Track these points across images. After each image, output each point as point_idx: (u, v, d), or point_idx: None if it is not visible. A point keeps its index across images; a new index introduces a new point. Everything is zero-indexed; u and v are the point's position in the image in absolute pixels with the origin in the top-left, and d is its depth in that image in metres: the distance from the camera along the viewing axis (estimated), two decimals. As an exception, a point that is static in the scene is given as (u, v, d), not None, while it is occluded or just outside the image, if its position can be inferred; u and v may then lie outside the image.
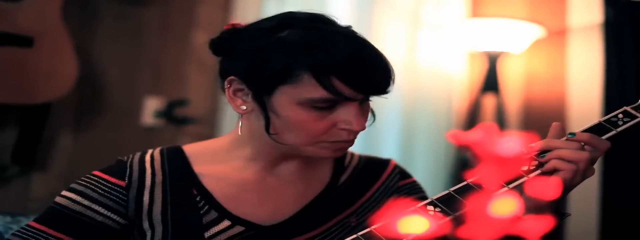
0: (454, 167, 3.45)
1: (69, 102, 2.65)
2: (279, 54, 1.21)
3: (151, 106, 2.91)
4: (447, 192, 1.14)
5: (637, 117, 1.23)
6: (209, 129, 2.97)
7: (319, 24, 1.26)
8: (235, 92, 1.29)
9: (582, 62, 3.53)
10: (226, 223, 1.30)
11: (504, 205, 0.81)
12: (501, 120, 3.45)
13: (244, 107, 1.29)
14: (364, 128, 1.26)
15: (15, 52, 2.29)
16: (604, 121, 1.22)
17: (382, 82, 1.25)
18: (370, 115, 1.34)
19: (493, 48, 3.45)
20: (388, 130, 3.28)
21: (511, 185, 1.11)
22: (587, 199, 3.19)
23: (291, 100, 1.22)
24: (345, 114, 1.24)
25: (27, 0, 2.30)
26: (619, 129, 1.21)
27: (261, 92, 1.24)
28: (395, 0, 3.38)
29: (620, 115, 1.23)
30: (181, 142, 1.46)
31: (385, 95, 1.27)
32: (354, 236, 1.08)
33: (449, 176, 3.40)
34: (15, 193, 2.58)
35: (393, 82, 1.27)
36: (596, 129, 1.21)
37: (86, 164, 1.43)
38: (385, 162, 1.53)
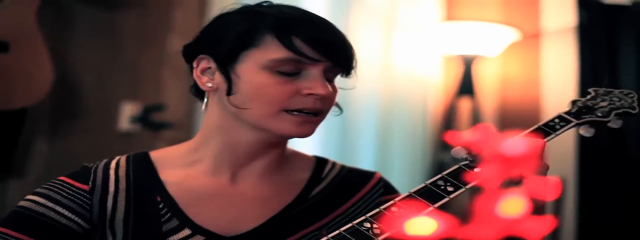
0: (430, 171, 3.47)
1: (45, 107, 2.64)
2: (241, 20, 1.27)
3: (128, 111, 2.90)
4: (440, 175, 1.19)
5: (571, 121, 1.31)
6: (185, 134, 2.96)
7: (277, 5, 1.33)
8: (202, 71, 1.30)
9: (556, 65, 3.57)
10: (186, 232, 1.27)
11: (512, 205, 0.81)
12: (477, 124, 3.47)
13: (210, 84, 1.29)
14: (327, 92, 1.25)
15: (-10, 57, 2.28)
16: (543, 125, 1.29)
17: (342, 49, 1.29)
18: (336, 108, 1.36)
19: (468, 51, 3.47)
20: (364, 134, 3.28)
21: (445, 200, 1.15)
22: (565, 213, 3.22)
23: (256, 64, 1.24)
24: (309, 79, 1.25)
25: (1, 5, 2.28)
26: (558, 133, 1.28)
27: (226, 60, 1.26)
28: (370, 3, 3.39)
29: (557, 120, 1.31)
30: (158, 147, 1.45)
31: (352, 81, 1.33)
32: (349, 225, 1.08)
33: (426, 179, 3.40)
34: (-8, 199, 2.57)
35: (355, 59, 1.32)
36: (538, 134, 1.27)
37: (63, 170, 1.42)
38: (369, 175, 1.48)
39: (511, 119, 3.66)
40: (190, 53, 1.34)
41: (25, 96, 2.42)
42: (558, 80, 3.53)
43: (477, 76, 3.51)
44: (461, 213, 1.11)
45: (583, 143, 3.30)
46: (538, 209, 1.03)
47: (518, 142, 0.87)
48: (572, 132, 1.33)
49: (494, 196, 0.79)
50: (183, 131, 2.96)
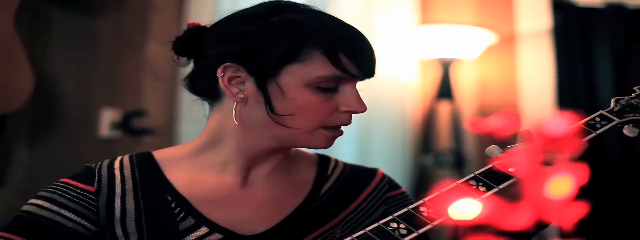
0: (411, 174, 3.48)
1: (24, 114, 2.62)
2: (284, 34, 1.23)
3: (107, 118, 2.90)
4: (487, 167, 1.16)
5: (613, 120, 1.27)
6: (167, 140, 2.96)
7: (307, 10, 1.30)
8: (230, 79, 1.26)
9: (533, 67, 3.60)
10: (204, 230, 1.26)
11: (560, 185, 0.81)
12: (457, 127, 3.49)
13: (242, 96, 1.25)
14: (365, 109, 1.27)
15: (-31, 65, 2.26)
16: (583, 124, 1.24)
17: (374, 62, 1.30)
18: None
19: (445, 55, 3.49)
20: (343, 139, 3.25)
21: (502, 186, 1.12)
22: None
23: (299, 80, 1.22)
24: (346, 96, 1.26)
25: (-21, 11, 2.27)
26: (598, 131, 1.24)
27: (266, 75, 1.23)
28: (345, 8, 3.40)
29: (598, 119, 1.26)
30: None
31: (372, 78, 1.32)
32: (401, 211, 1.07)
33: (407, 183, 3.42)
34: (-29, 208, 2.55)
35: (375, 74, 1.32)
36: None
37: (44, 178, 1.41)
38: (372, 172, 1.49)
39: (490, 121, 3.68)
40: (207, 61, 1.30)
41: (4, 103, 2.39)
42: (535, 82, 3.56)
43: (455, 79, 3.53)
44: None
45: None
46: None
47: (558, 123, 0.86)
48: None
49: (540, 178, 0.79)
50: (164, 137, 2.96)
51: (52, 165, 2.72)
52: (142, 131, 2.87)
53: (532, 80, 3.58)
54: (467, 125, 3.54)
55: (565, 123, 0.91)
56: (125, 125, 2.89)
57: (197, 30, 1.32)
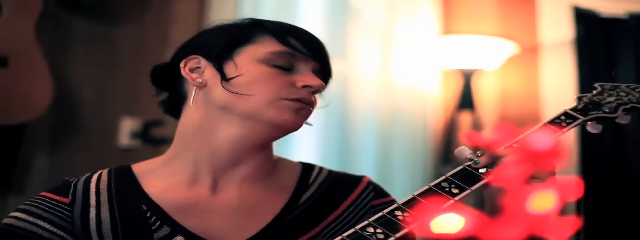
0: (431, 185, 3.45)
1: (44, 123, 2.63)
2: (236, 25, 1.37)
3: (127, 127, 2.90)
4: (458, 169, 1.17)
5: (578, 118, 1.29)
6: (185, 149, 2.95)
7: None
8: (191, 69, 1.34)
9: (555, 77, 3.57)
10: (179, 238, 1.26)
11: (541, 201, 0.80)
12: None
13: (200, 80, 1.32)
14: (320, 84, 1.32)
15: (-11, 72, 2.28)
16: (549, 123, 1.27)
17: (324, 49, 1.38)
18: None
19: (467, 65, 3.47)
20: (364, 149, 3.28)
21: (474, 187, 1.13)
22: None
23: (253, 57, 1.31)
24: (301, 73, 1.33)
25: (0, 20, 2.29)
26: (565, 130, 1.26)
27: (221, 56, 1.32)
28: (368, 18, 3.40)
29: (563, 117, 1.29)
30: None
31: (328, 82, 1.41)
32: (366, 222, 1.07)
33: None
34: (-9, 216, 2.55)
35: (331, 72, 1.41)
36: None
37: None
38: (357, 179, 1.46)
39: (511, 132, 3.65)
40: (174, 60, 1.40)
41: (24, 111, 2.42)
42: (557, 93, 3.53)
43: (476, 90, 3.51)
44: (485, 210, 1.10)
45: (585, 144, 3.30)
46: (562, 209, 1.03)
47: (543, 137, 0.86)
48: (573, 132, 1.31)
49: (522, 193, 0.78)
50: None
51: (71, 173, 2.70)
52: (161, 141, 2.87)
53: (554, 91, 3.55)
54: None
55: (547, 137, 0.91)
56: (145, 134, 2.89)
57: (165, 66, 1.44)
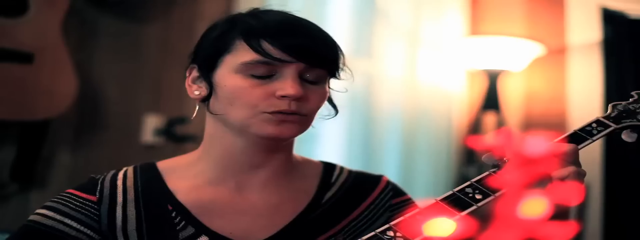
0: (454, 185, 3.44)
1: (68, 119, 2.64)
2: (218, 28, 1.31)
3: (151, 124, 2.90)
4: (469, 183, 1.14)
5: (610, 126, 1.25)
6: (208, 147, 2.95)
7: (262, 10, 1.34)
8: (193, 80, 1.33)
9: (581, 79, 3.54)
10: (204, 239, 1.26)
11: (533, 207, 0.79)
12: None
13: (197, 92, 1.31)
14: (297, 92, 1.23)
15: (15, 68, 2.29)
16: (579, 130, 1.23)
17: (315, 50, 1.26)
18: (329, 106, 1.35)
19: (493, 66, 3.46)
20: (389, 148, 3.27)
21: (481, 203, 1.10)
22: (590, 219, 3.19)
23: (229, 69, 1.25)
24: (281, 81, 1.24)
25: (27, 16, 2.30)
26: (595, 138, 1.22)
27: (205, 68, 1.29)
28: (394, 19, 3.39)
29: (594, 125, 1.25)
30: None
31: (338, 77, 1.33)
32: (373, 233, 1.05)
33: (450, 194, 3.38)
34: (15, 211, 2.57)
35: (339, 55, 1.31)
36: (573, 139, 1.21)
37: (85, 181, 1.44)
38: (376, 179, 1.47)
39: (536, 133, 3.63)
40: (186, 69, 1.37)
41: (49, 107, 2.43)
42: (583, 95, 3.51)
43: (502, 91, 3.49)
44: (482, 216, 1.09)
45: (609, 149, 3.27)
46: (562, 214, 1.02)
47: (540, 144, 0.85)
48: (599, 141, 1.27)
49: (515, 198, 0.78)
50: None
51: (94, 169, 2.70)
52: (184, 138, 2.87)
53: (581, 93, 3.53)
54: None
55: (543, 144, 0.89)
56: (168, 131, 2.89)
57: None
